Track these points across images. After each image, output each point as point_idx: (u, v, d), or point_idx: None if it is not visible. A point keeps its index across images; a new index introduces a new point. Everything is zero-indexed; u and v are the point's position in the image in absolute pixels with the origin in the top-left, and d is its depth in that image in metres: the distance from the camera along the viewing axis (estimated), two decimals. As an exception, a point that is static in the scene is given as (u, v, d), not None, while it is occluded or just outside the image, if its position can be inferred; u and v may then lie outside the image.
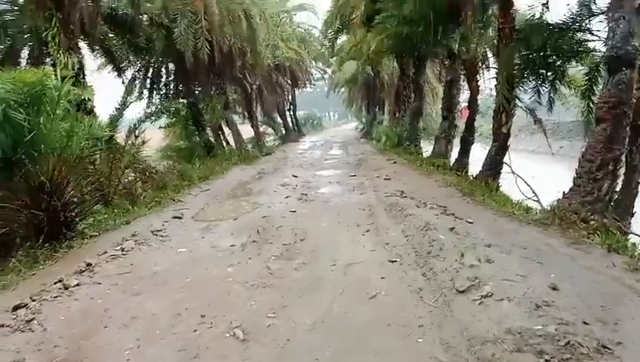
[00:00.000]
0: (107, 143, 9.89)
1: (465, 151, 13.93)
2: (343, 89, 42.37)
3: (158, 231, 6.67)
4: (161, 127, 21.41)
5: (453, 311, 3.79)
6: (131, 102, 12.13)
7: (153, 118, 19.51)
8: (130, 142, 10.96)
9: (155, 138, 22.88)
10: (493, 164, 9.72)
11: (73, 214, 6.47)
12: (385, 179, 10.58)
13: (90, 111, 9.82)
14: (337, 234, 6.33)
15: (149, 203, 8.57)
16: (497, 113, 9.62)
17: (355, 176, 11.86)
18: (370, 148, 22.13)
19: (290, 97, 34.57)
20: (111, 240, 6.17)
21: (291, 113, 35.80)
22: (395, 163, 13.66)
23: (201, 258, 5.57)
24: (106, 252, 5.65)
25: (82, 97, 9.16)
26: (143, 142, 11.14)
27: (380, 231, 6.33)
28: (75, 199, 6.72)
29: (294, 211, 7.60)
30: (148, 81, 18.71)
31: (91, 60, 16.24)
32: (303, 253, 5.58)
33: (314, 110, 65.15)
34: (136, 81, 18.35)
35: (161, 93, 19.07)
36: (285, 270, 5.01)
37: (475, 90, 13.98)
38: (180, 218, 7.66)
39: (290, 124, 34.96)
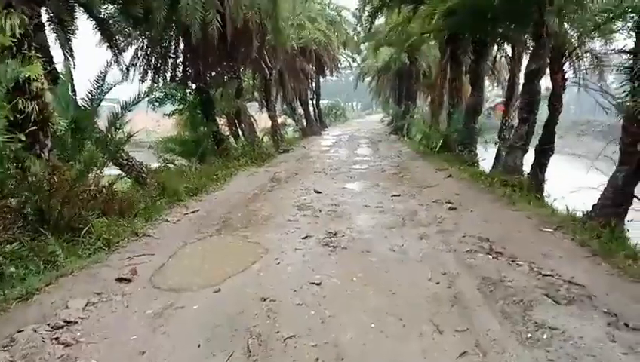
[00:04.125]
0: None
1: (541, 166, 10.59)
2: (369, 78, 39.01)
3: (67, 323, 3.62)
4: (165, 115, 18.68)
5: None
6: (114, 85, 9.04)
7: (157, 104, 17.06)
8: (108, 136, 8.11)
9: (167, 126, 20.33)
10: (618, 198, 6.42)
11: None
12: (449, 208, 7.37)
13: (36, 96, 6.84)
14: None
15: (94, 243, 5.52)
16: (631, 123, 6.32)
17: (399, 196, 8.65)
18: (406, 148, 18.81)
19: (313, 85, 31.36)
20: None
21: (314, 103, 32.59)
22: (449, 176, 10.38)
23: None
24: None
25: (20, 74, 6.18)
26: (128, 137, 8.28)
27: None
28: None
29: (318, 284, 4.39)
30: (150, 61, 15.73)
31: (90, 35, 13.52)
32: None
33: (337, 99, 61.74)
34: (137, 60, 15.49)
35: (166, 75, 16.10)
36: None
37: (558, 85, 10.58)
38: (128, 281, 4.62)
39: (313, 115, 31.75)
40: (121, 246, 5.68)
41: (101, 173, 7.66)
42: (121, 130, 8.44)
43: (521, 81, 16.16)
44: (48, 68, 8.80)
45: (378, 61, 29.51)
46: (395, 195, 8.69)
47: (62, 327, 3.53)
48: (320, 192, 9.11)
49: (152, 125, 27.34)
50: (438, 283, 4.42)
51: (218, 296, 4.24)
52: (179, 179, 9.51)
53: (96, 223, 6.00)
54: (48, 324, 3.54)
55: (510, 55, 15.23)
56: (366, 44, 27.97)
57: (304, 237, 6.00)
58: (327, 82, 33.34)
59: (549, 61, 9.98)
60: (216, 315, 3.81)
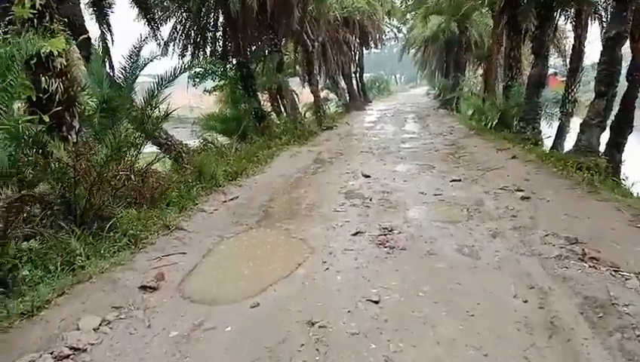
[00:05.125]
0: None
1: (618, 146, 9.30)
2: (414, 50, 37.17)
3: (73, 351, 2.99)
4: (206, 91, 18.19)
5: None
6: (150, 60, 8.40)
7: (197, 80, 16.50)
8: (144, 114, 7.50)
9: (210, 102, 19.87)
10: None
11: None
12: (521, 197, 6.34)
13: (61, 73, 6.27)
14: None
15: (120, 239, 4.92)
16: None
17: (459, 181, 7.68)
18: (458, 124, 17.52)
19: (357, 58, 30.06)
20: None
21: (357, 76, 31.33)
22: (514, 158, 9.24)
23: None
24: None
25: (42, 49, 5.60)
26: (166, 115, 7.71)
27: None
28: None
29: (376, 302, 3.55)
30: (189, 35, 15.14)
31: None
32: None
33: (380, 72, 59.84)
34: (176, 35, 14.96)
35: (206, 50, 15.49)
36: None
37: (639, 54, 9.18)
38: (153, 289, 3.98)
39: (356, 89, 30.54)
40: (149, 242, 5.06)
41: (138, 153, 7.18)
42: (157, 108, 7.81)
43: (587, 49, 14.70)
44: (78, 43, 8.35)
45: (425, 31, 27.80)
46: (454, 180, 7.72)
47: (67, 357, 2.91)
48: (369, 176, 8.25)
49: (195, 101, 27.09)
50: (526, 301, 3.53)
51: (256, 313, 3.52)
52: (217, 161, 8.88)
53: (124, 216, 5.42)
54: (51, 353, 2.93)
55: (574, 20, 13.62)
56: (413, 13, 26.32)
57: (355, 234, 5.19)
58: (369, 54, 31.87)
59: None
60: (253, 343, 3.10)
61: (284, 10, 14.10)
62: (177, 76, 8.22)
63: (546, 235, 4.86)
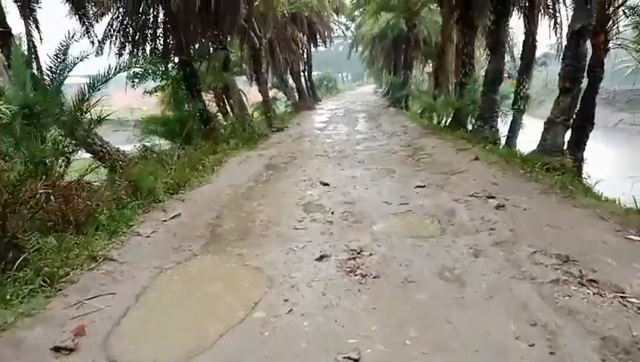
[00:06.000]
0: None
1: (579, 144, 9.12)
2: (361, 47, 37.01)
3: None
4: (146, 92, 16.88)
5: None
6: (80, 60, 7.31)
7: (136, 80, 15.21)
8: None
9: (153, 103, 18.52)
10: None
11: None
12: (495, 206, 5.82)
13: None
14: None
15: (33, 279, 3.93)
16: None
17: (424, 187, 7.12)
18: (410, 123, 17.19)
19: (305, 56, 29.39)
20: None
21: (306, 75, 30.67)
22: (477, 159, 8.82)
23: None
24: None
25: None
26: (99, 120, 6.76)
27: None
28: None
29: (356, 361, 2.83)
30: (127, 33, 13.89)
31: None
32: None
33: (328, 71, 59.46)
34: (112, 33, 13.68)
35: (145, 48, 14.26)
36: None
37: (599, 48, 9.02)
38: (70, 351, 3.08)
39: (305, 88, 29.89)
40: (70, 280, 4.11)
41: (68, 163, 6.20)
42: (88, 112, 6.86)
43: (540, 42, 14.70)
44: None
45: (374, 28, 27.54)
46: (419, 186, 7.16)
47: None
48: (327, 184, 7.57)
49: (137, 102, 25.49)
50: (532, 345, 2.94)
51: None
52: (157, 171, 7.91)
53: (41, 246, 4.45)
54: None
55: (527, 14, 13.49)
56: (361, 9, 25.97)
57: (319, 258, 4.46)
58: (316, 52, 31.32)
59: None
60: None
61: (229, 6, 13.21)
62: (111, 77, 7.23)
63: (534, 252, 4.32)
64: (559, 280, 3.74)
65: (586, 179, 8.09)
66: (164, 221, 5.91)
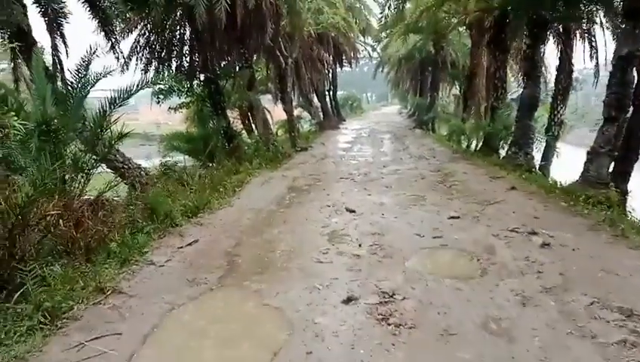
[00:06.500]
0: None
1: (623, 176, 8.50)
2: (386, 68, 36.70)
3: None
4: (171, 109, 16.86)
5: None
6: (103, 75, 7.11)
7: (161, 97, 15.15)
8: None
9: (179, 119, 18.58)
10: None
11: None
12: (540, 244, 5.28)
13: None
14: None
15: (33, 314, 3.59)
16: None
17: (457, 218, 6.62)
18: (438, 146, 16.66)
19: (331, 76, 29.21)
20: None
21: (331, 95, 30.47)
22: (513, 189, 8.28)
23: None
24: None
25: None
26: (120, 136, 6.47)
27: None
28: None
29: None
30: (153, 49, 13.90)
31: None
32: None
33: (352, 91, 59.41)
34: (139, 48, 13.70)
35: (171, 65, 14.24)
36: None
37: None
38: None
39: (330, 108, 29.65)
40: (74, 316, 3.76)
41: (88, 180, 5.96)
42: (109, 128, 6.63)
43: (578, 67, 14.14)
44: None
45: (401, 49, 27.24)
46: (452, 217, 6.66)
47: None
48: (353, 211, 7.13)
49: (164, 117, 25.61)
50: None
51: None
52: (176, 192, 7.62)
53: (46, 275, 4.11)
54: None
55: (563, 39, 12.97)
56: (388, 31, 25.70)
57: (346, 301, 4.00)
58: (341, 72, 31.11)
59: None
60: None
61: (255, 24, 13.04)
62: (133, 93, 7.06)
63: (591, 304, 3.79)
64: (626, 341, 3.20)
65: (631, 213, 7.50)
66: (180, 248, 5.54)
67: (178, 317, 3.91)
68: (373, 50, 33.14)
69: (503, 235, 5.71)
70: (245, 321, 3.82)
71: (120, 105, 6.79)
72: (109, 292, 4.22)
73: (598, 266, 4.58)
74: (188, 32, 13.62)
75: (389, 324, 3.58)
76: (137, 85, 7.15)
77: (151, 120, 32.14)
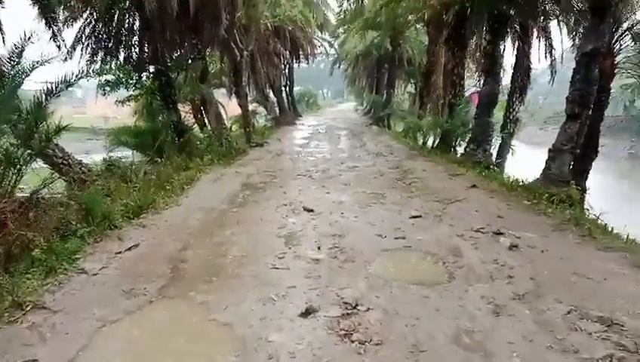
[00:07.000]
0: None
1: (582, 173, 8.53)
2: (343, 65, 36.54)
3: None
4: (118, 102, 15.88)
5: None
6: (39, 64, 6.37)
7: (107, 89, 14.32)
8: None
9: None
10: None
11: None
12: (508, 246, 5.05)
13: None
14: None
15: None
16: None
17: (419, 217, 6.34)
18: (395, 143, 16.51)
19: (287, 71, 28.70)
20: None
21: (287, 90, 29.95)
22: (474, 187, 8.11)
23: None
24: None
25: None
26: (59, 130, 6.05)
27: None
28: None
29: None
30: (99, 39, 12.96)
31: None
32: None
33: (309, 87, 59.08)
34: (83, 38, 12.72)
35: (119, 56, 13.31)
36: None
37: (606, 73, 8.49)
38: None
39: (286, 103, 29.14)
40: (-20, 339, 3.16)
41: (19, 176, 5.39)
42: (44, 121, 6.02)
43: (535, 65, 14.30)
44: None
45: (358, 46, 27.08)
46: (414, 216, 6.36)
47: None
48: (312, 210, 6.71)
49: (113, 111, 24.48)
50: None
51: None
52: (118, 190, 6.96)
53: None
54: None
55: (520, 35, 13.00)
56: (346, 26, 25.43)
57: (305, 314, 3.57)
58: (297, 68, 30.55)
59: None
60: None
61: (209, 15, 12.42)
62: (72, 84, 6.48)
63: (568, 312, 3.53)
64: (612, 357, 2.94)
65: (589, 210, 7.48)
66: (118, 253, 4.94)
67: (111, 335, 3.37)
68: (331, 46, 32.84)
69: (467, 236, 5.45)
70: (188, 340, 3.32)
71: (57, 96, 6.27)
72: (28, 308, 3.61)
73: (569, 269, 4.36)
74: (138, 22, 12.80)
75: (352, 341, 3.18)
76: (77, 75, 6.53)
77: (99, 113, 30.65)
